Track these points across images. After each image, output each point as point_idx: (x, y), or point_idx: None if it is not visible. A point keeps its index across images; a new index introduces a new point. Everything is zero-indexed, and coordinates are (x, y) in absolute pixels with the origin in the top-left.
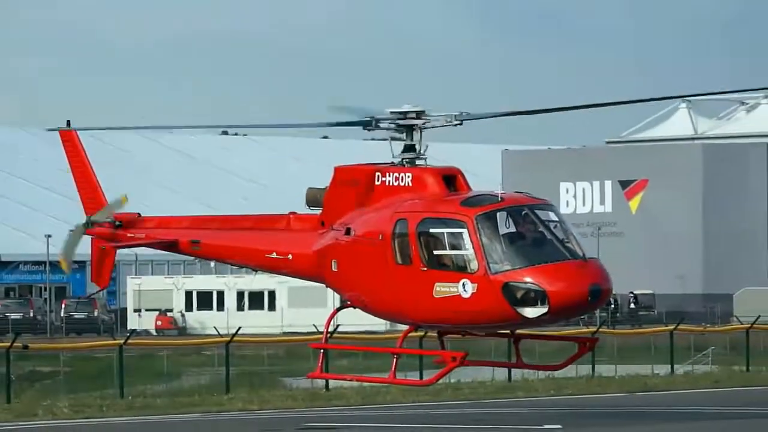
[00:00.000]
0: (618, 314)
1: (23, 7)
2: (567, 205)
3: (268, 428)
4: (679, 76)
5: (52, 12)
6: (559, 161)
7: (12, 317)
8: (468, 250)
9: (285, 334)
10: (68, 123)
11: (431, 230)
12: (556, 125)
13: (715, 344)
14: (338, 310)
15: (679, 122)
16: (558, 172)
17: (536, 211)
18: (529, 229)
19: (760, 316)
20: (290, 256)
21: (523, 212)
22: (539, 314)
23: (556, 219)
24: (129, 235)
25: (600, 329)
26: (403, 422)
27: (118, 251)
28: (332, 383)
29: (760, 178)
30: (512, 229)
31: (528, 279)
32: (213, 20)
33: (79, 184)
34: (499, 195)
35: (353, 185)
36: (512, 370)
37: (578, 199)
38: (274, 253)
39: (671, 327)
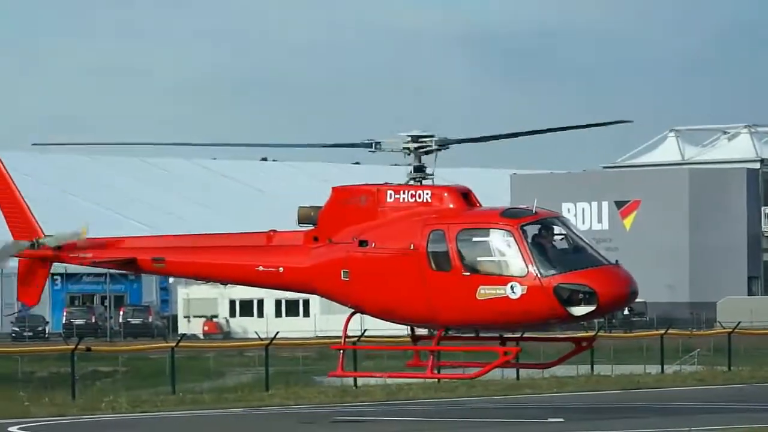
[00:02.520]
0: (614, 320)
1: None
2: None
3: (303, 421)
4: (668, 108)
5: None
6: (561, 184)
7: (76, 323)
8: (515, 257)
9: (318, 338)
10: None
11: (474, 239)
12: (559, 152)
13: (700, 347)
14: (352, 315)
15: (668, 149)
16: (560, 193)
17: (566, 223)
18: (565, 237)
19: (740, 321)
20: (281, 269)
21: (556, 223)
22: (587, 312)
23: (579, 230)
24: (71, 255)
25: (598, 333)
26: (423, 416)
27: None
28: (360, 381)
29: (740, 199)
30: (551, 237)
31: (580, 281)
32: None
33: (5, 208)
34: (534, 208)
35: (358, 203)
36: (520, 369)
37: (578, 218)
38: (261, 267)
39: (661, 331)
